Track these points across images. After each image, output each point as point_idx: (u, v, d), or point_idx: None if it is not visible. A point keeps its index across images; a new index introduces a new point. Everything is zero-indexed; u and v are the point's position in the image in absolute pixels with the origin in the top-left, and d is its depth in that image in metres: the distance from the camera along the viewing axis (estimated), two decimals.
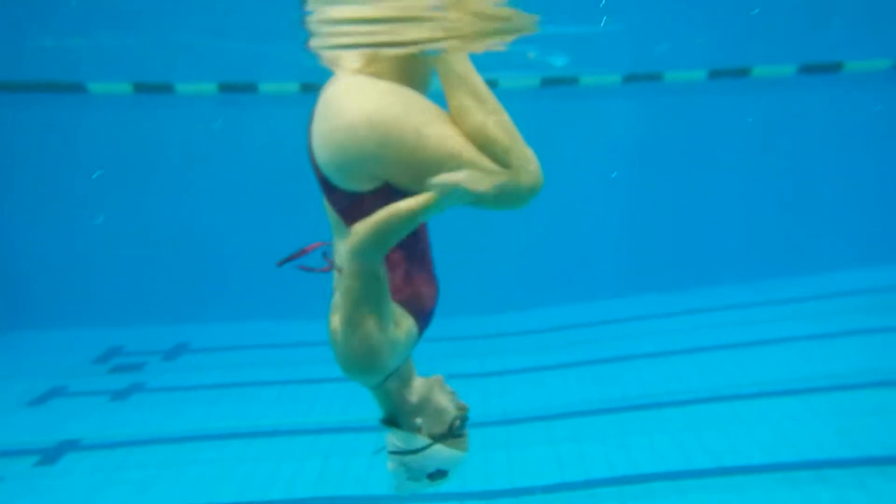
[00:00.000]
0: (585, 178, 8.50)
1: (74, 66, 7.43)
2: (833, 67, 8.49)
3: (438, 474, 2.46)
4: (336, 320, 2.33)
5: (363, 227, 2.23)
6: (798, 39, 7.43)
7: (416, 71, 2.50)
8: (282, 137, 8.42)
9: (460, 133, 2.30)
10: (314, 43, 3.41)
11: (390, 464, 2.46)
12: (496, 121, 2.30)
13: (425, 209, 2.23)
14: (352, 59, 2.66)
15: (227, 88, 8.15)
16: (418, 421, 2.43)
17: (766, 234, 9.07)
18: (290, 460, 5.40)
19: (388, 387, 2.43)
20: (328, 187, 2.37)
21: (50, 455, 5.66)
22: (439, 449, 2.43)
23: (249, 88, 8.16)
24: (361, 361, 2.29)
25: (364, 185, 2.31)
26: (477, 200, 2.30)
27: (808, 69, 8.48)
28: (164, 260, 8.62)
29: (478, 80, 2.36)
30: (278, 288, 8.38)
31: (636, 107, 8.81)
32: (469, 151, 2.27)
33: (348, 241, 2.26)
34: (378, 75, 2.41)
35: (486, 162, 2.28)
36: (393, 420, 2.46)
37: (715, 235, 9.08)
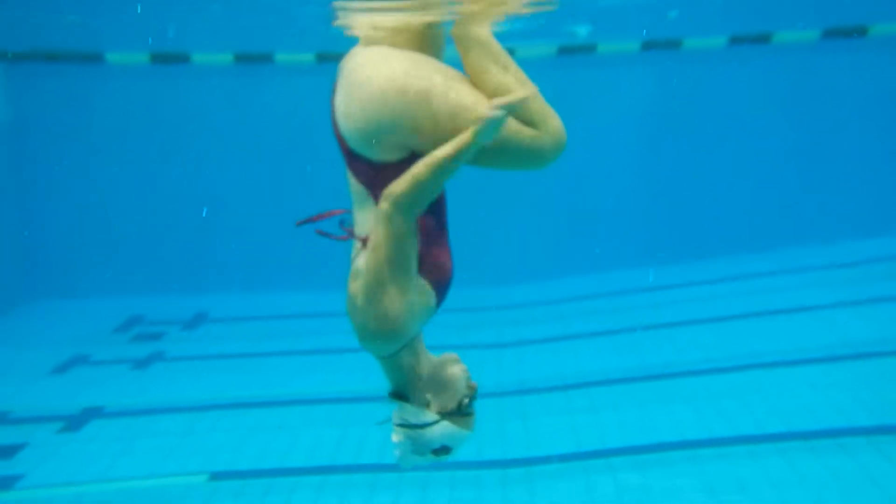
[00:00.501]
0: (602, 147, 8.42)
1: (93, 36, 7.43)
2: (857, 31, 8.30)
3: (443, 450, 2.46)
4: (357, 286, 2.33)
5: (401, 183, 2.22)
6: (821, 3, 7.27)
7: (434, 41, 2.51)
8: (300, 107, 8.41)
9: (484, 96, 2.30)
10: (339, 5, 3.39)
11: (395, 436, 2.48)
12: (519, 81, 2.32)
13: (465, 148, 2.21)
14: (376, 27, 2.64)
15: (243, 59, 8.13)
16: (427, 396, 2.45)
17: (787, 202, 8.97)
18: (309, 429, 5.46)
19: (399, 358, 2.44)
20: (352, 157, 2.36)
21: (74, 422, 5.75)
22: (446, 426, 2.43)
23: (266, 58, 8.13)
24: (382, 328, 2.29)
25: (390, 155, 2.30)
26: (504, 150, 2.30)
27: (832, 33, 8.30)
28: (184, 230, 8.67)
29: (498, 46, 2.36)
30: (298, 258, 8.39)
31: (654, 75, 8.70)
32: None
33: (382, 202, 2.24)
34: (400, 46, 2.41)
35: (513, 123, 2.29)
36: (401, 393, 2.48)
37: (735, 204, 8.99)
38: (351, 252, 2.47)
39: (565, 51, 7.84)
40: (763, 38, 8.27)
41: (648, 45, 8.33)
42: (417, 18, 3.03)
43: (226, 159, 8.68)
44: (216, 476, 4.95)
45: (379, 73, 2.26)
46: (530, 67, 2.57)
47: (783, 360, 6.05)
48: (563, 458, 4.88)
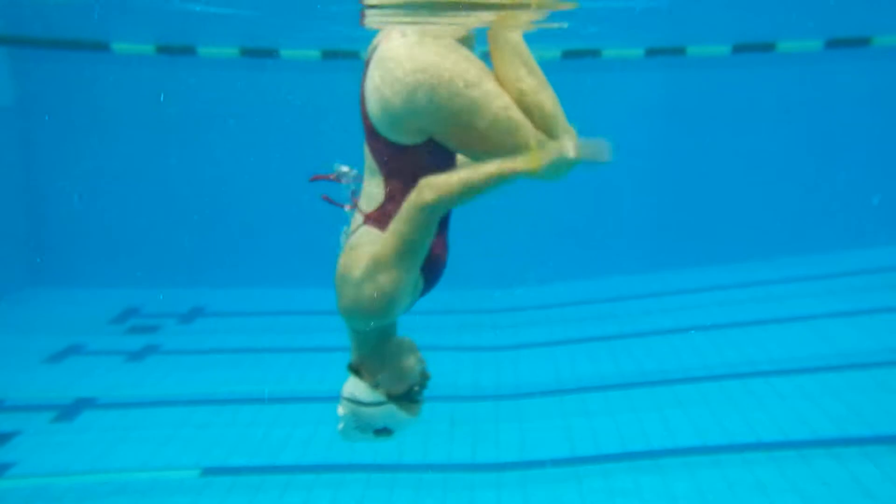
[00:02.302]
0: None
1: (99, 24, 7.41)
2: (861, 42, 8.29)
3: (384, 431, 2.51)
4: (355, 257, 2.36)
5: (447, 182, 2.27)
6: (825, 13, 7.26)
7: (464, 37, 2.56)
8: (303, 102, 8.40)
9: (509, 97, 2.35)
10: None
11: (341, 408, 2.50)
12: (546, 91, 2.38)
13: (525, 173, 2.27)
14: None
15: (248, 53, 8.11)
16: (380, 377, 2.47)
17: (785, 212, 8.97)
18: (302, 426, 5.45)
19: (370, 335, 2.47)
20: (373, 136, 2.40)
21: (67, 411, 5.75)
22: (391, 408, 2.47)
23: (271, 53, 8.10)
24: (371, 304, 2.34)
25: (410, 139, 2.35)
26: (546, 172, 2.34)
27: (836, 43, 8.29)
28: (183, 223, 8.65)
29: (527, 50, 2.42)
30: (295, 254, 8.41)
31: (658, 81, 8.69)
32: (516, 116, 2.33)
33: (421, 191, 2.28)
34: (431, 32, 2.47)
35: (531, 126, 2.34)
36: (358, 369, 2.50)
37: (736, 211, 8.99)
38: (350, 223, 2.50)
39: (570, 54, 7.82)
40: (767, 47, 8.25)
41: (653, 52, 8.32)
42: (447, 27, 3.13)
43: (226, 153, 8.67)
44: (208, 471, 4.95)
45: (409, 58, 2.30)
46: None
47: (778, 368, 6.06)
48: (557, 462, 4.89)
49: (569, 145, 2.29)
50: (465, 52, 2.39)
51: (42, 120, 8.49)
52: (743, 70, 8.70)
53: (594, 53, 8.09)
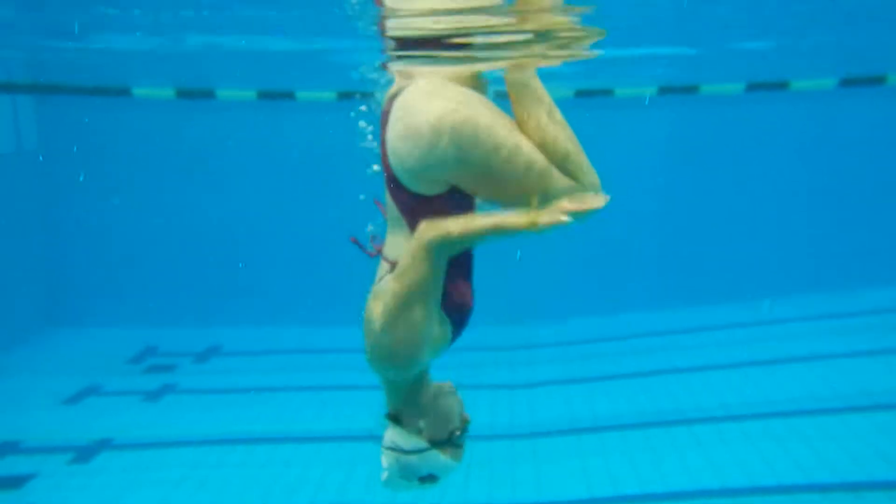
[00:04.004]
0: (617, 191, 8.41)
1: (120, 71, 7.57)
2: (875, 81, 8.31)
3: (429, 478, 2.48)
4: (378, 307, 2.34)
5: (452, 225, 2.27)
6: (839, 52, 7.30)
7: (479, 83, 2.56)
8: (317, 144, 8.50)
9: (530, 142, 2.34)
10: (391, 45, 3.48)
11: (385, 458, 2.48)
12: (566, 134, 2.36)
13: (525, 229, 2.25)
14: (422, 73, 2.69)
15: (265, 95, 8.24)
16: (421, 423, 2.45)
17: (804, 249, 8.91)
18: (316, 466, 5.41)
19: (403, 382, 2.45)
20: (396, 186, 2.41)
21: (83, 453, 5.74)
22: (435, 454, 2.45)
23: (287, 95, 8.24)
24: (398, 352, 2.32)
25: (433, 189, 2.35)
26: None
27: (850, 82, 8.31)
28: (199, 263, 8.73)
29: (546, 94, 2.42)
30: (310, 293, 8.44)
31: (671, 119, 8.72)
32: (541, 160, 2.32)
33: (425, 231, 2.28)
34: (449, 79, 2.46)
35: (555, 172, 2.33)
36: (397, 417, 2.48)
37: (752, 249, 8.94)
38: (377, 272, 2.50)
39: (582, 94, 7.90)
40: (781, 86, 8.29)
41: (665, 90, 8.37)
42: (467, 69, 3.14)
43: (242, 194, 8.76)
44: None
45: (432, 110, 2.29)
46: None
47: (800, 408, 5.96)
48: None
49: (568, 208, 2.26)
50: (485, 101, 2.39)
51: (62, 162, 8.64)
52: (757, 107, 8.73)
53: (606, 93, 8.17)
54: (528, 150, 2.30)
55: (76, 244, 8.82)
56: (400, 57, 3.70)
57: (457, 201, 2.36)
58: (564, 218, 2.24)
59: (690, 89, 8.36)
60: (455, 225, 2.27)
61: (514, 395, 6.62)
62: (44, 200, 8.79)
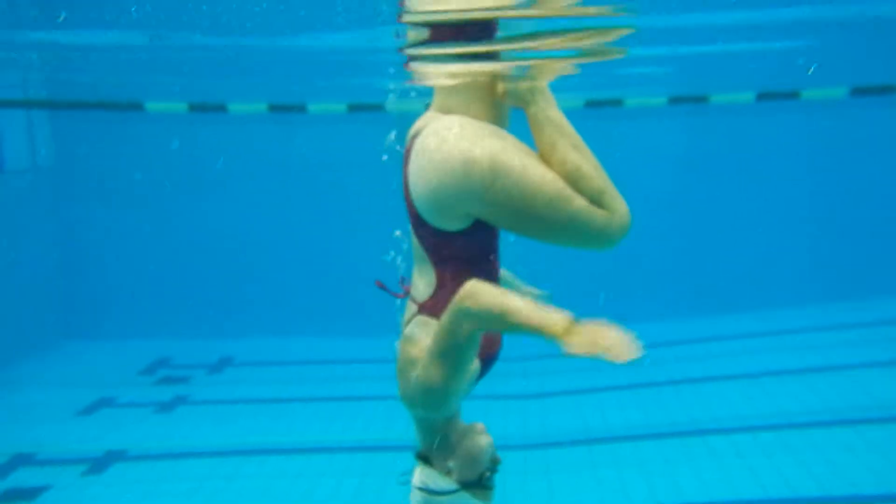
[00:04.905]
0: (628, 199, 8.39)
1: (133, 86, 7.65)
2: (887, 90, 8.27)
3: None
4: (413, 352, 2.34)
5: (488, 304, 2.17)
6: (850, 62, 7.27)
7: (502, 110, 2.54)
8: (329, 156, 8.54)
9: (556, 173, 2.32)
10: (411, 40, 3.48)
11: (413, 497, 2.46)
12: (589, 161, 2.34)
13: (544, 335, 2.18)
14: (444, 82, 2.69)
15: (276, 108, 8.29)
16: (450, 464, 2.43)
17: (819, 258, 8.86)
18: (328, 477, 5.41)
19: (435, 422, 2.43)
20: (419, 222, 2.39)
21: (97, 465, 5.76)
22: (464, 496, 2.43)
23: (300, 108, 8.29)
24: (433, 400, 2.31)
25: (456, 224, 2.34)
26: (569, 242, 2.35)
27: (861, 91, 8.27)
28: (211, 275, 8.77)
29: (569, 125, 2.40)
30: (322, 305, 8.47)
31: (681, 129, 8.72)
32: (567, 191, 2.30)
33: (464, 300, 2.18)
34: (472, 117, 2.43)
35: (583, 201, 2.30)
36: (427, 456, 2.46)
37: (766, 258, 8.90)
38: (404, 311, 2.49)
39: (592, 104, 7.90)
40: (791, 95, 8.26)
41: (676, 100, 8.37)
42: (489, 68, 3.13)
43: (254, 206, 8.81)
44: None
45: (451, 146, 2.28)
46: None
47: (816, 420, 5.90)
48: None
49: (606, 350, 2.29)
50: (509, 136, 2.38)
51: (77, 177, 8.73)
52: (767, 117, 8.71)
53: (616, 103, 8.17)
54: (555, 183, 2.29)
55: (90, 257, 8.89)
56: (417, 56, 3.67)
57: (480, 232, 2.35)
58: (599, 355, 2.25)
59: (700, 99, 8.35)
60: (495, 298, 2.17)
61: (526, 405, 6.61)
62: (59, 215, 8.88)
